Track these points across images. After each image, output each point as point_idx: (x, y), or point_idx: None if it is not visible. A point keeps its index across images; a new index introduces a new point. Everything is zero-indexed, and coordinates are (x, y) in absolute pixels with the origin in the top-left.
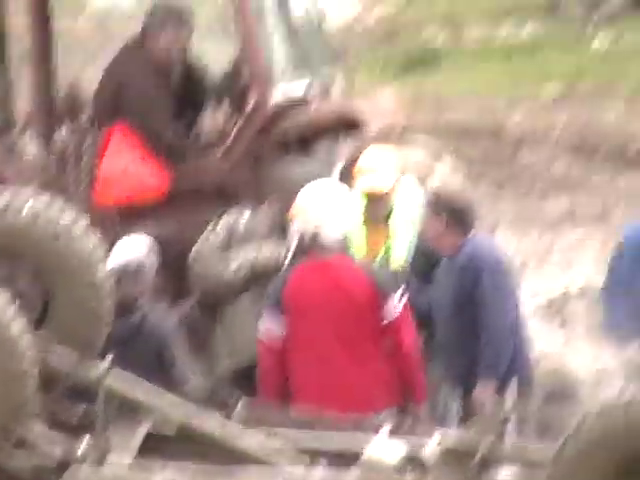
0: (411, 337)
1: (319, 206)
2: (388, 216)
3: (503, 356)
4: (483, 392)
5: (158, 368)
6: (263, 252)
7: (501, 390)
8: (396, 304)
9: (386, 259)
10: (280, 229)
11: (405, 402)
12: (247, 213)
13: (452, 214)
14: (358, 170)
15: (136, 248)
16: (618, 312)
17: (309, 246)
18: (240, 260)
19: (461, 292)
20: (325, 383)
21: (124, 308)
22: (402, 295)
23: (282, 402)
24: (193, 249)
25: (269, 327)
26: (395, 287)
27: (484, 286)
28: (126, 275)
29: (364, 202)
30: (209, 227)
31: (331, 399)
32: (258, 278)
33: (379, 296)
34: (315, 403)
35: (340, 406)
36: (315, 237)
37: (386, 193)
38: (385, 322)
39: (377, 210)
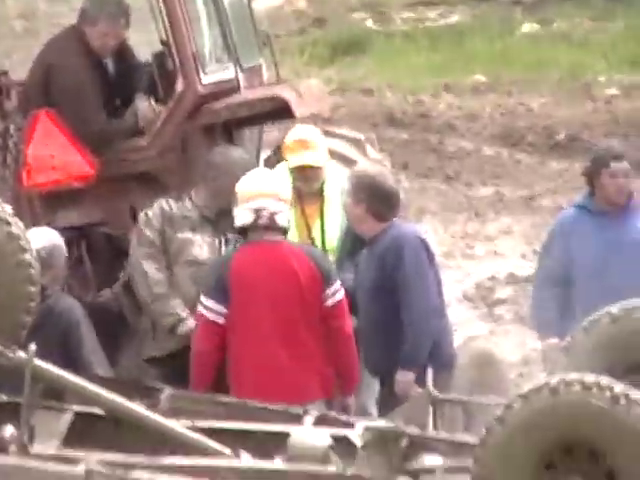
0: (350, 323)
1: (275, 188)
2: (320, 193)
3: (425, 339)
4: (404, 376)
5: (64, 356)
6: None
7: (423, 375)
8: (338, 288)
9: (321, 238)
10: (211, 216)
11: (335, 392)
12: (175, 201)
13: (372, 200)
14: (288, 146)
15: (44, 237)
16: (547, 303)
17: (264, 226)
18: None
19: (382, 276)
20: (261, 368)
21: None
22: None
23: (215, 385)
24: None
25: (211, 306)
26: (336, 272)
27: (406, 268)
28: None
29: (295, 179)
30: (143, 215)
31: (266, 385)
32: None
33: (322, 279)
34: (250, 389)
35: (274, 393)
36: (273, 217)
37: (318, 168)
38: (327, 305)
39: (309, 186)
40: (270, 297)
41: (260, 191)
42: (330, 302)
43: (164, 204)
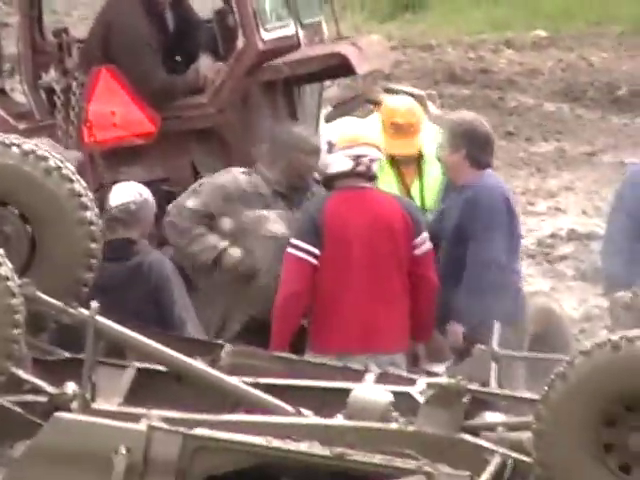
0: (435, 274)
1: (373, 137)
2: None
3: (479, 293)
4: (454, 327)
5: (155, 311)
6: None
7: (482, 328)
8: (426, 237)
9: (420, 197)
10: (283, 191)
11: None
12: (246, 176)
13: (471, 146)
14: (385, 127)
15: (134, 191)
16: (617, 257)
17: (361, 173)
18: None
19: (461, 224)
20: (349, 313)
21: (122, 250)
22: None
23: (300, 328)
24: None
25: (304, 246)
26: (425, 222)
27: (478, 218)
28: (125, 217)
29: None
30: (191, 189)
31: (352, 330)
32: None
33: (414, 227)
34: (335, 333)
35: (359, 338)
36: (371, 164)
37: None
38: (416, 253)
39: (407, 155)
40: (363, 242)
41: (361, 138)
42: (419, 251)
43: (231, 182)
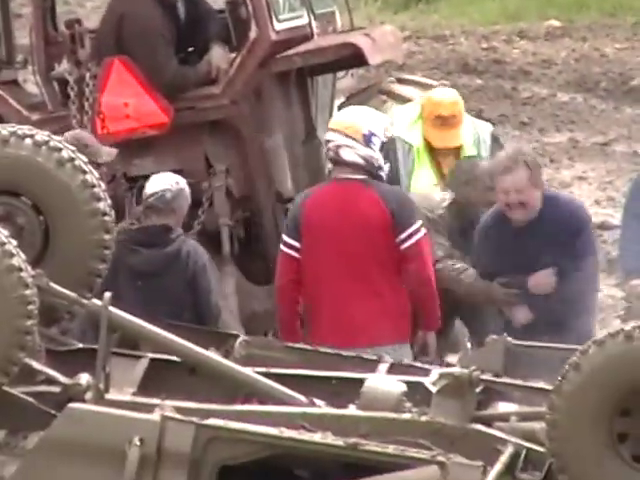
0: (430, 265)
1: (342, 122)
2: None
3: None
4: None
5: (191, 299)
6: None
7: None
8: (415, 230)
9: None
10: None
11: (414, 332)
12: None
13: (535, 173)
14: (427, 120)
15: (171, 180)
16: (634, 245)
17: (331, 160)
18: None
19: (563, 250)
20: (331, 306)
21: (159, 237)
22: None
23: (299, 318)
24: None
25: (287, 241)
26: (416, 215)
27: (582, 233)
28: (160, 205)
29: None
30: None
31: (338, 326)
32: None
33: (394, 222)
34: (324, 329)
35: (346, 334)
36: (337, 150)
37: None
38: (402, 248)
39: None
40: (336, 239)
41: (330, 124)
42: (405, 245)
43: None
